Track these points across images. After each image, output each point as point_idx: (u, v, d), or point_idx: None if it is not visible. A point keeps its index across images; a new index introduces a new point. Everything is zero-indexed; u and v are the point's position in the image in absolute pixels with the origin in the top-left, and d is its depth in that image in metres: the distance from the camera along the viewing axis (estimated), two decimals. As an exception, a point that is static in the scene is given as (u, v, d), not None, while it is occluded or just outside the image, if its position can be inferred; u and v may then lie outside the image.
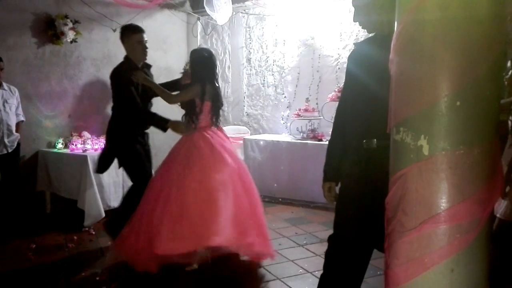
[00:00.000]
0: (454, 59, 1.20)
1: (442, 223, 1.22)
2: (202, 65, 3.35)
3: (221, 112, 3.49)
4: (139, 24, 5.60)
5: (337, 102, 5.21)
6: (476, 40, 1.19)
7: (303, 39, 5.65)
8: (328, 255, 2.06)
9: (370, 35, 1.99)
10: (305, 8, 5.48)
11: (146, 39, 3.66)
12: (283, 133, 5.82)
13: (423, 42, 1.21)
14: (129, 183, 4.70)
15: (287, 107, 5.85)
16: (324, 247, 3.65)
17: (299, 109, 5.39)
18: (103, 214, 4.30)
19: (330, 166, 2.10)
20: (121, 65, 3.60)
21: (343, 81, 5.42)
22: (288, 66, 5.85)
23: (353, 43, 2.06)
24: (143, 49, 3.61)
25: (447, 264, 1.22)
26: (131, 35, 3.60)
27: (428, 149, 1.21)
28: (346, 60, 2.09)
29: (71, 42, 4.93)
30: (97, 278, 3.06)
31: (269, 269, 3.20)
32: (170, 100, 3.42)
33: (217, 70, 3.47)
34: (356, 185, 1.89)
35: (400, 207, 1.26)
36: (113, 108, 3.63)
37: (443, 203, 1.22)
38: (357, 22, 1.97)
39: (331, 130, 2.19)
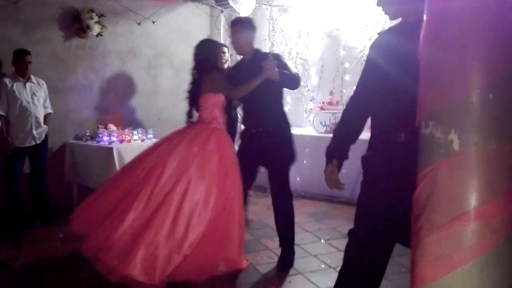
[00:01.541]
0: (487, 50, 1.15)
1: (472, 221, 1.17)
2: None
3: None
4: (163, 17, 5.67)
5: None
6: (510, 31, 1.14)
7: (328, 31, 5.57)
8: (348, 249, 2.03)
9: (394, 24, 1.93)
10: (330, -1, 5.40)
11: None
12: (306, 126, 5.78)
13: (454, 32, 1.16)
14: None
15: (311, 100, 5.79)
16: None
17: (323, 102, 5.33)
18: (128, 206, 4.37)
19: (331, 148, 2.04)
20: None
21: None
22: (311, 58, 5.78)
23: (377, 33, 1.99)
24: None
25: (476, 264, 1.18)
26: None
27: (459, 144, 1.16)
28: (368, 50, 2.03)
29: (97, 35, 5.00)
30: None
31: (292, 263, 3.18)
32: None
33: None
34: (382, 180, 1.84)
35: (429, 204, 1.22)
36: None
37: (473, 200, 1.17)
38: (381, 7, 1.91)
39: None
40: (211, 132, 3.13)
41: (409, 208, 1.64)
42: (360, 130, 2.02)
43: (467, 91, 1.15)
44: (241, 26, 3.28)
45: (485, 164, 1.16)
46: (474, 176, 1.16)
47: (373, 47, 1.97)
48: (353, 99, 2.04)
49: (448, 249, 1.18)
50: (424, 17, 1.26)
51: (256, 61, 3.13)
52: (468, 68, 1.16)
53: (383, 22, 4.99)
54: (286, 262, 3.16)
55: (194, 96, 3.27)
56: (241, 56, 3.42)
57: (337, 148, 2.03)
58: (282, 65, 3.07)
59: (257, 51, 3.27)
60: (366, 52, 5.10)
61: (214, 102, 3.18)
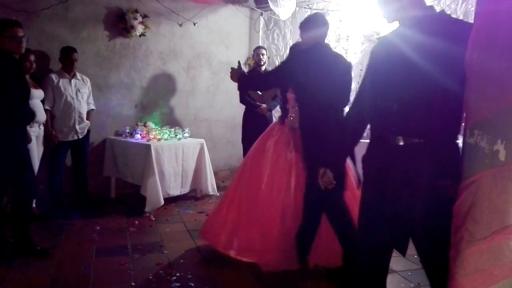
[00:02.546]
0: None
1: (516, 235, 1.13)
2: None
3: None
4: (204, 19, 5.77)
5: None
6: None
7: (368, 35, 5.48)
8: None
9: (392, 30, 1.90)
10: (371, 2, 5.32)
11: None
12: (342, 131, 5.71)
13: (506, 37, 1.13)
14: (188, 173, 4.87)
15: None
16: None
17: (360, 107, 5.26)
18: (162, 202, 4.47)
19: (330, 154, 2.15)
20: None
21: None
22: (350, 62, 5.71)
23: (377, 38, 1.98)
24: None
25: (519, 279, 1.14)
26: None
27: (505, 154, 1.13)
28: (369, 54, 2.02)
29: (140, 35, 5.15)
30: (157, 262, 3.18)
31: (321, 269, 3.15)
32: None
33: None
34: (377, 183, 1.83)
35: (470, 215, 1.19)
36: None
37: (518, 213, 1.13)
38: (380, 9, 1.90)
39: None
40: (272, 125, 3.43)
41: (407, 213, 1.64)
42: (360, 136, 2.05)
43: (516, 100, 1.11)
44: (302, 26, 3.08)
45: (532, 176, 1.12)
46: (520, 188, 1.13)
47: (373, 52, 1.95)
48: (355, 106, 2.03)
49: (489, 262, 1.15)
50: (474, 22, 1.23)
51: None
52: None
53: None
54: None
55: None
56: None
57: (333, 157, 2.13)
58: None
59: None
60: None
61: (283, 97, 3.39)
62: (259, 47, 5.45)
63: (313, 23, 2.96)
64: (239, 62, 3.29)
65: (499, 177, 1.13)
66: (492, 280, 1.16)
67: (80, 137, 4.42)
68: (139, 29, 5.07)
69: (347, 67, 3.03)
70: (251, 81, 3.25)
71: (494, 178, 1.14)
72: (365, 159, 1.95)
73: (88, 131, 4.52)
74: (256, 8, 6.30)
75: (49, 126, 4.20)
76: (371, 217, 1.87)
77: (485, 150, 1.16)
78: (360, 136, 2.05)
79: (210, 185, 5.02)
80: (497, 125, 1.14)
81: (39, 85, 4.14)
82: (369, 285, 1.94)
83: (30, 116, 3.26)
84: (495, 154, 1.14)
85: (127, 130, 5.00)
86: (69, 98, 4.30)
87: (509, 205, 1.14)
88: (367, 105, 1.92)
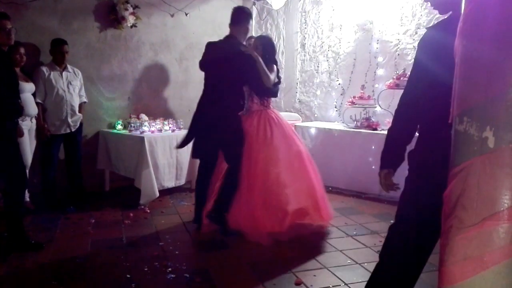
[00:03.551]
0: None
1: (505, 221, 1.14)
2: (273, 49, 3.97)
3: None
4: (196, 9, 5.72)
5: (395, 90, 4.92)
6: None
7: (361, 24, 5.48)
8: (387, 244, 2.00)
9: (443, 17, 1.85)
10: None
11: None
12: (336, 121, 5.72)
13: (494, 23, 1.12)
14: (183, 164, 4.87)
15: (341, 94, 5.72)
16: (374, 239, 3.57)
17: (354, 97, 5.25)
18: (157, 194, 4.47)
19: (389, 153, 2.02)
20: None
21: (402, 68, 5.11)
22: (344, 51, 5.71)
23: (425, 27, 1.92)
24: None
25: (508, 265, 1.14)
26: None
27: (494, 141, 1.13)
28: (416, 46, 1.95)
29: (131, 26, 5.10)
30: (152, 254, 3.19)
31: (317, 258, 3.18)
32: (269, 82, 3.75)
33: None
34: (436, 175, 1.79)
35: (460, 203, 1.19)
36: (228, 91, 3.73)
37: (507, 199, 1.14)
38: (428, 3, 1.84)
39: (386, 119, 2.09)
40: None
41: None
42: (414, 132, 1.97)
43: (505, 86, 1.11)
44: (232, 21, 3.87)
45: (521, 163, 1.12)
46: (509, 175, 1.13)
47: (421, 43, 1.90)
48: (405, 103, 1.97)
49: (478, 248, 1.15)
50: (463, 9, 1.22)
51: None
52: (506, 62, 1.11)
53: (419, 16, 4.86)
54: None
55: None
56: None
57: (391, 156, 2.01)
58: None
59: None
60: (400, 46, 5.04)
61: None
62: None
63: (242, 19, 3.78)
64: None
65: (488, 164, 1.13)
66: (481, 266, 1.16)
67: (73, 130, 4.39)
68: (130, 20, 5.01)
69: (243, 59, 3.65)
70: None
71: (484, 165, 1.14)
72: (417, 154, 1.89)
73: (81, 124, 4.50)
74: (249, -3, 6.25)
75: (41, 119, 4.17)
76: (426, 210, 1.79)
77: (474, 137, 1.16)
78: (414, 133, 1.97)
79: (205, 176, 5.02)
80: (486, 112, 1.13)
81: (30, 78, 4.11)
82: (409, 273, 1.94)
83: (19, 111, 3.23)
84: (484, 141, 1.14)
85: (120, 123, 4.97)
86: (60, 91, 4.27)
87: (498, 191, 1.14)
88: (419, 101, 1.87)
